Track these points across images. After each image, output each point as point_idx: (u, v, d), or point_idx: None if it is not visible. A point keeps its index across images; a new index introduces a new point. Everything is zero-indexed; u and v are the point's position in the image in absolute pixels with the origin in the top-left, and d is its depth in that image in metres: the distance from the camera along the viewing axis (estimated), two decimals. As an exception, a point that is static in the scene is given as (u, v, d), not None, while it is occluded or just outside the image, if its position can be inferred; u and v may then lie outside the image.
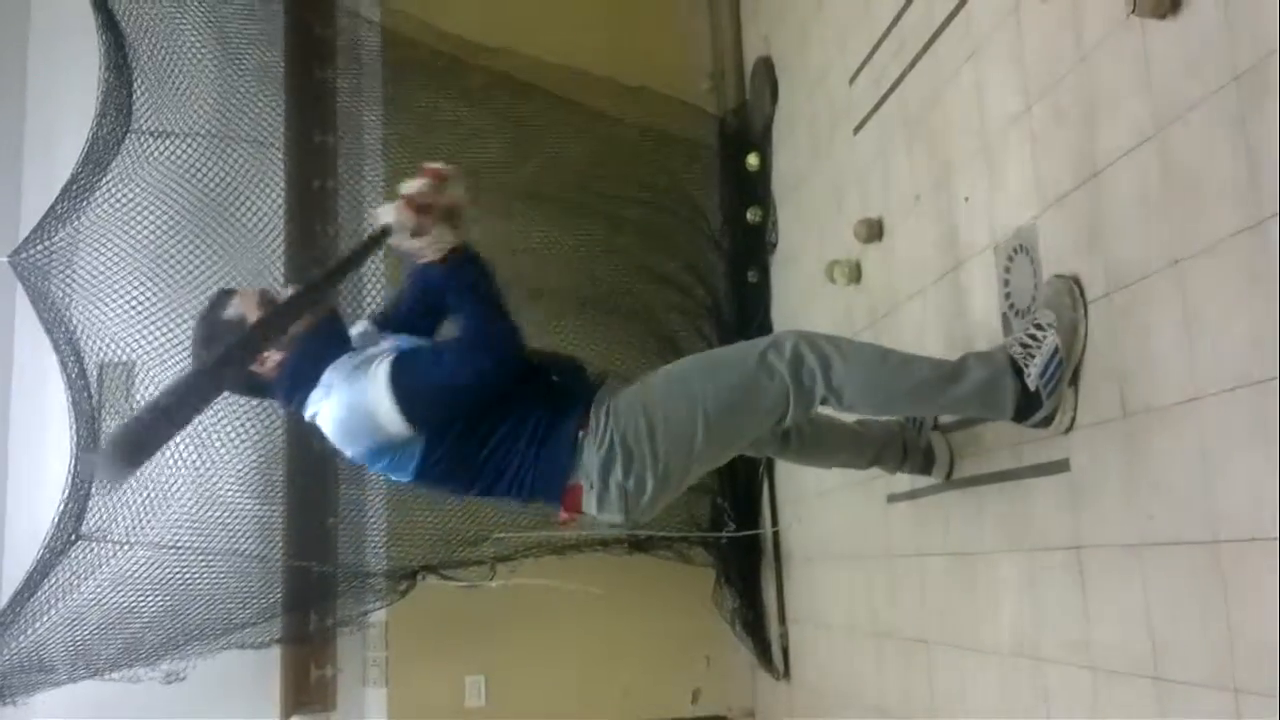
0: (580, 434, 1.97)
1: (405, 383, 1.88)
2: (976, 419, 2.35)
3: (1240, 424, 1.57)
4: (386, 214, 1.86)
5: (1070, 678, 2.03)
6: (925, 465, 2.52)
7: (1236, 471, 1.58)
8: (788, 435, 2.36)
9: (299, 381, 1.99)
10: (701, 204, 4.36)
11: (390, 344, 1.99)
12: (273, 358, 1.99)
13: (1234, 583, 1.58)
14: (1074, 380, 1.98)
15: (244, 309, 2.00)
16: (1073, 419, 1.99)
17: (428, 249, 1.90)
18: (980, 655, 2.41)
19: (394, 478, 2.05)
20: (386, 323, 2.18)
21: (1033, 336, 1.99)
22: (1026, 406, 1.98)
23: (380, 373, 1.88)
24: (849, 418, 2.38)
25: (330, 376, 1.94)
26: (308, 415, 2.01)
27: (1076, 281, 1.98)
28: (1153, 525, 1.77)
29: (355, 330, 2.15)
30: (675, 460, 1.99)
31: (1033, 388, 1.96)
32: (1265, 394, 1.51)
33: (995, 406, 2.01)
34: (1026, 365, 1.97)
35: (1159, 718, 1.74)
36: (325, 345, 1.99)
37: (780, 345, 1.99)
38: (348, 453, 1.98)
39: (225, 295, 2.06)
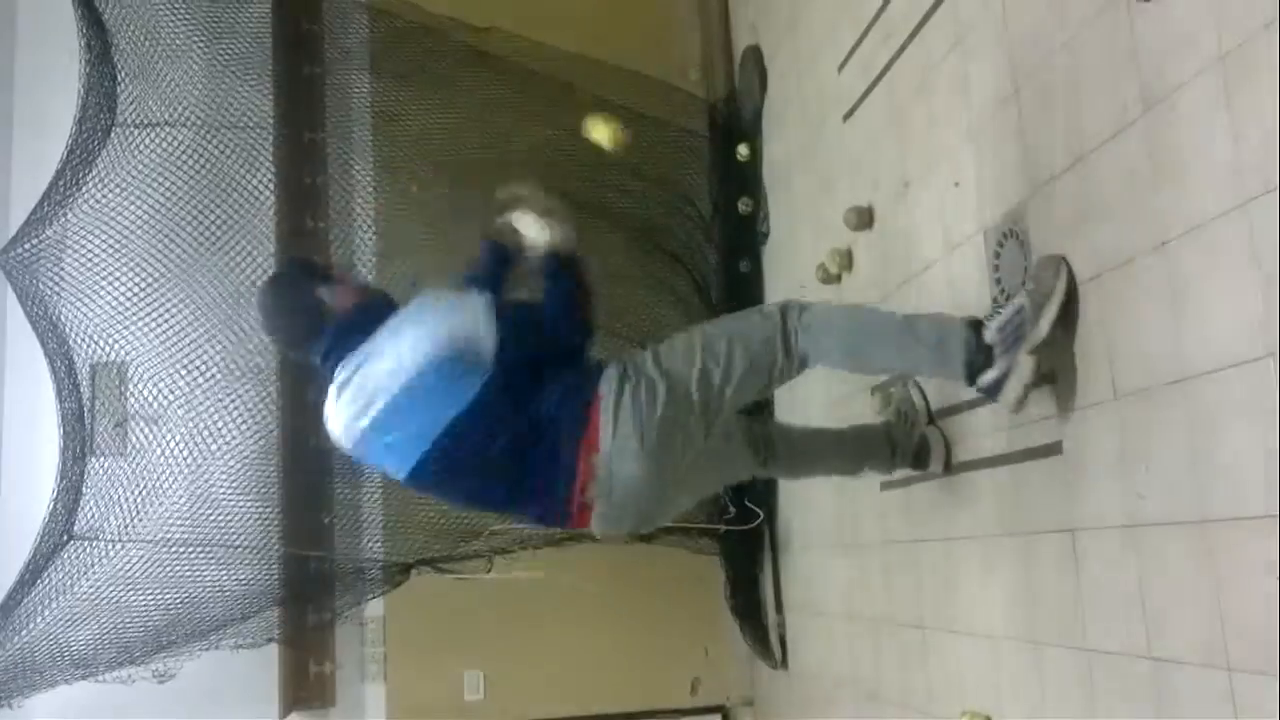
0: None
1: (507, 313, 2.08)
2: (964, 406, 2.36)
3: (1227, 404, 1.57)
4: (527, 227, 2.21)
5: (1065, 660, 2.03)
6: (920, 460, 2.54)
7: (1224, 451, 1.58)
8: (773, 449, 2.48)
9: (342, 340, 2.12)
10: (692, 194, 4.35)
11: None
12: (346, 299, 2.19)
13: (1224, 562, 1.58)
14: (1051, 371, 1.97)
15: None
16: (1021, 397, 1.97)
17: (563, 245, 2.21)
18: (975, 639, 2.42)
19: (403, 461, 2.07)
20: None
21: (1006, 299, 2.01)
22: (979, 362, 1.99)
23: (479, 299, 2.08)
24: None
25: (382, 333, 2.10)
26: (338, 373, 2.11)
27: (1065, 259, 1.99)
28: (1144, 506, 1.77)
29: None
30: (679, 411, 2.04)
31: (988, 340, 1.98)
32: (1251, 374, 1.51)
33: (947, 357, 2.04)
34: (988, 321, 2.00)
35: (1154, 698, 1.75)
36: (372, 318, 2.12)
37: (777, 302, 2.20)
38: (397, 379, 2.02)
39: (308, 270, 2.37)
